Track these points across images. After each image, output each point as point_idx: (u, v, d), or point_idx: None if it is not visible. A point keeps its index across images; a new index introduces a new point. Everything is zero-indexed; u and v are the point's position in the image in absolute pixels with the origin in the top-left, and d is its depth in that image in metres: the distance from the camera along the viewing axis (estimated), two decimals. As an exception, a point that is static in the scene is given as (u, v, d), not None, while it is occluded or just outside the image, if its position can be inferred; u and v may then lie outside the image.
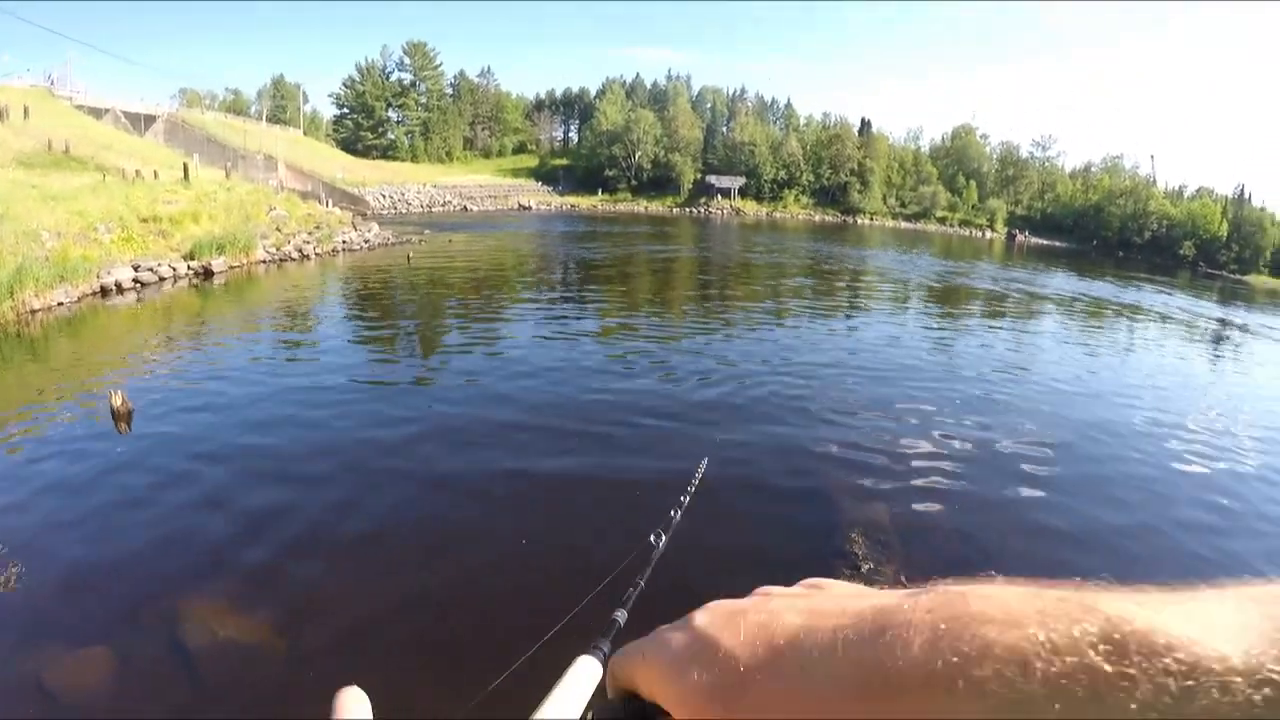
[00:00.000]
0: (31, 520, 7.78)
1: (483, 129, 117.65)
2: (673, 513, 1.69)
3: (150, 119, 63.24)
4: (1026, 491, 9.59)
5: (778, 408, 12.25)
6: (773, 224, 79.28)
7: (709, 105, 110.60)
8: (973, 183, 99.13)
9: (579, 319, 19.10)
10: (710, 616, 0.57)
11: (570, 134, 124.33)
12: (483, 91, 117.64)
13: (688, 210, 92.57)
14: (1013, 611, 0.43)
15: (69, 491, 8.46)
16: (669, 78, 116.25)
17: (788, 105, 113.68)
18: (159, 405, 11.48)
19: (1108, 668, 0.38)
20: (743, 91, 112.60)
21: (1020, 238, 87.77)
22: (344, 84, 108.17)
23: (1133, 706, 0.36)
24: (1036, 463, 10.59)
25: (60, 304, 17.99)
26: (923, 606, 0.47)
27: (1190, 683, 0.35)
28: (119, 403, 10.66)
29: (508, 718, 0.74)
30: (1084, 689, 0.37)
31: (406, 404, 11.85)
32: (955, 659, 0.42)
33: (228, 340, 16.20)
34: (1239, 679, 0.35)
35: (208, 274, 23.93)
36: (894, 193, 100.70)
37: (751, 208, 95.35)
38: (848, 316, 22.24)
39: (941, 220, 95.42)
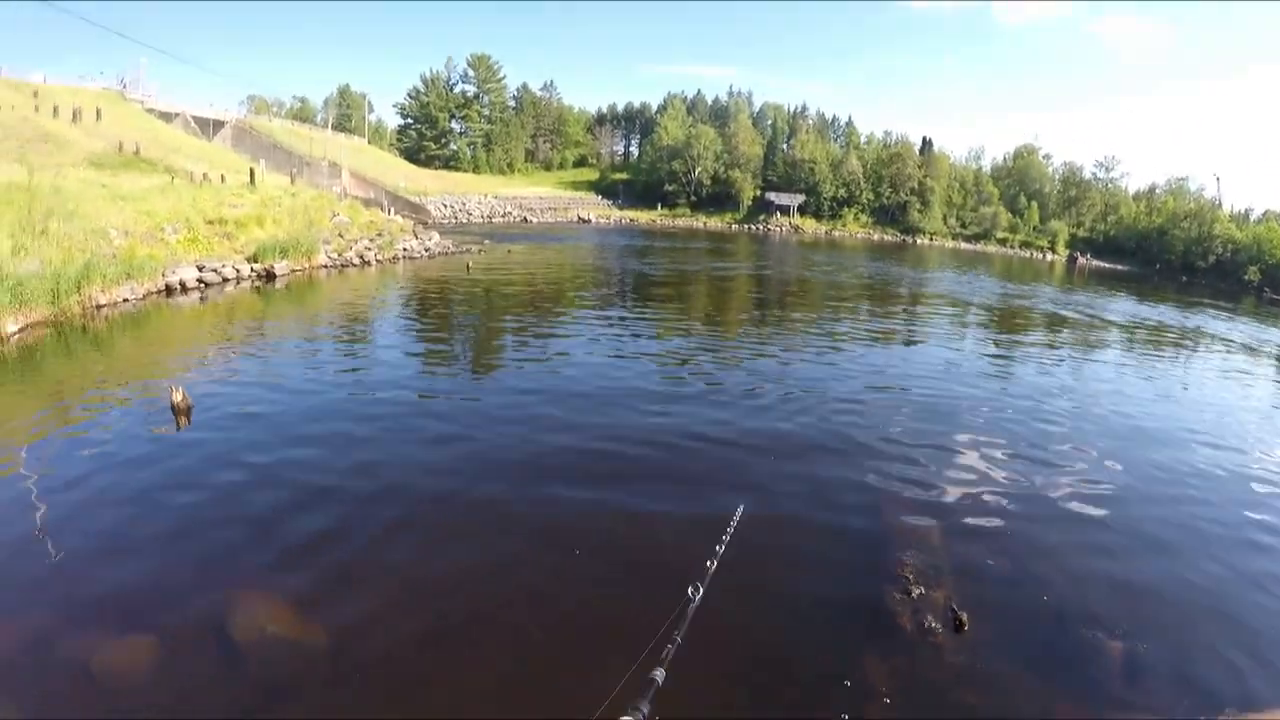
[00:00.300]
0: (90, 507, 7.88)
1: (544, 141, 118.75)
2: (709, 563, 1.60)
3: (219, 124, 64.79)
4: (1081, 533, 9.04)
5: (828, 435, 11.83)
6: (831, 242, 78.51)
7: (770, 122, 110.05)
8: (1034, 203, 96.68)
9: (634, 336, 18.83)
10: None
11: (631, 148, 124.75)
12: (545, 104, 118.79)
13: (746, 227, 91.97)
14: None
15: (127, 481, 8.54)
16: (730, 94, 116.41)
17: (849, 123, 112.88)
18: (218, 402, 11.60)
19: None
20: (804, 108, 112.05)
21: (1081, 260, 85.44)
22: (408, 94, 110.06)
23: None
24: (1093, 503, 9.95)
25: (125, 300, 18.33)
26: None
27: None
28: (179, 398, 10.79)
29: None
30: None
31: (456, 420, 11.67)
32: None
33: (286, 343, 16.39)
34: None
35: (270, 277, 24.26)
36: (954, 213, 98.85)
37: (810, 225, 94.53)
38: (906, 342, 21.54)
39: (1002, 241, 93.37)
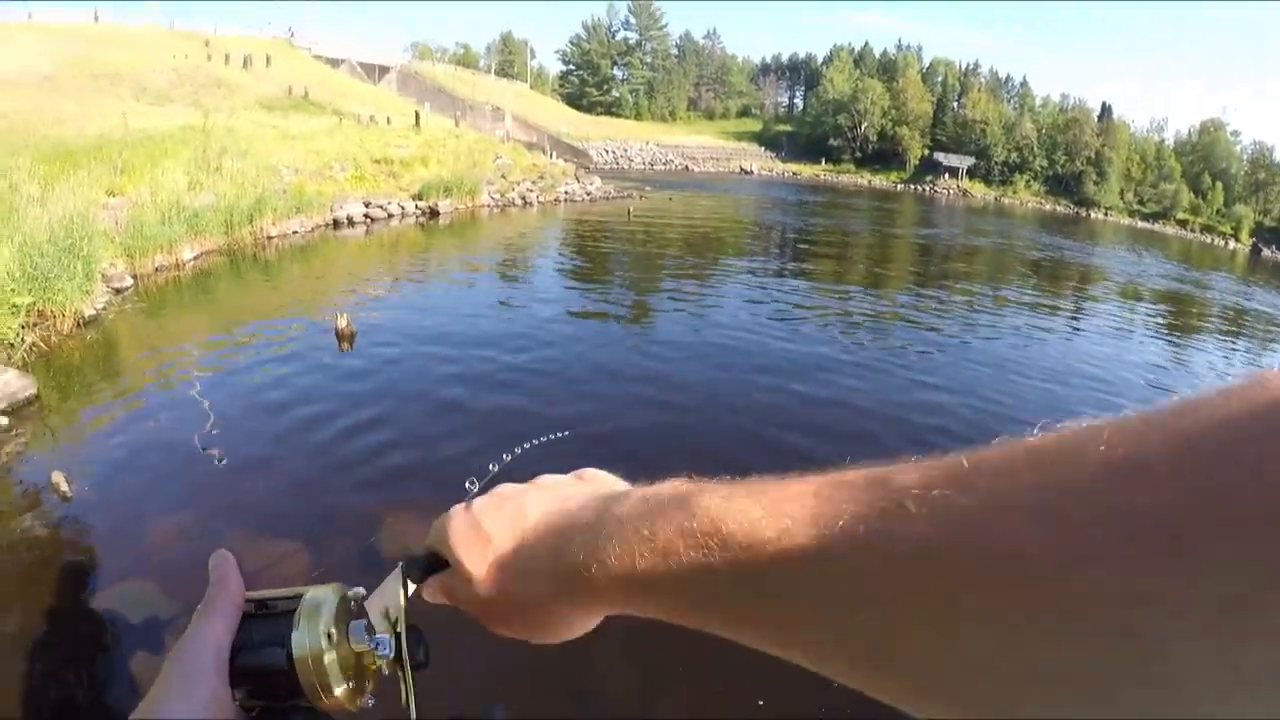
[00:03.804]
0: (254, 422, 8.10)
1: (706, 90, 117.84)
2: None
3: (383, 69, 67.04)
4: None
5: (988, 415, 10.67)
6: (1000, 210, 73.35)
7: (940, 78, 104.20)
8: (1219, 184, 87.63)
9: (788, 295, 17.34)
10: (488, 498, 0.72)
11: (795, 100, 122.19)
12: (708, 53, 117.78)
13: (912, 187, 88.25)
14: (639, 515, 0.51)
15: (291, 400, 8.73)
16: (899, 47, 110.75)
17: (1023, 83, 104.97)
18: (380, 329, 11.81)
19: (694, 555, 0.45)
20: (976, 66, 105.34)
21: (1266, 252, 75.82)
22: (570, 41, 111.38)
23: (723, 589, 0.43)
24: None
25: (295, 232, 19.08)
26: (590, 508, 0.60)
27: (749, 557, 0.41)
28: (344, 324, 10.98)
29: None
30: (691, 576, 0.45)
31: (616, 362, 11.27)
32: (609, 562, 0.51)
33: (448, 275, 16.73)
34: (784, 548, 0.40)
35: (434, 214, 24.87)
36: (1132, 187, 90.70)
37: (979, 190, 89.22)
38: (1072, 324, 19.29)
39: (1182, 223, 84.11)
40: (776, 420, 9.11)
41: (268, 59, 46.31)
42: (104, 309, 11.31)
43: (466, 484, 1.53)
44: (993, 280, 25.07)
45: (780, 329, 13.90)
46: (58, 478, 6.26)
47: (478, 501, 0.71)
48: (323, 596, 0.67)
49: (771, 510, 0.42)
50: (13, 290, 9.54)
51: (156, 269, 13.92)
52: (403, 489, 6.88)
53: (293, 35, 62.58)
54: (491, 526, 0.66)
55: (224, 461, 6.99)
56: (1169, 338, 18.83)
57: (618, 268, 19.81)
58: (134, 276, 13.12)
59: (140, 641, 4.81)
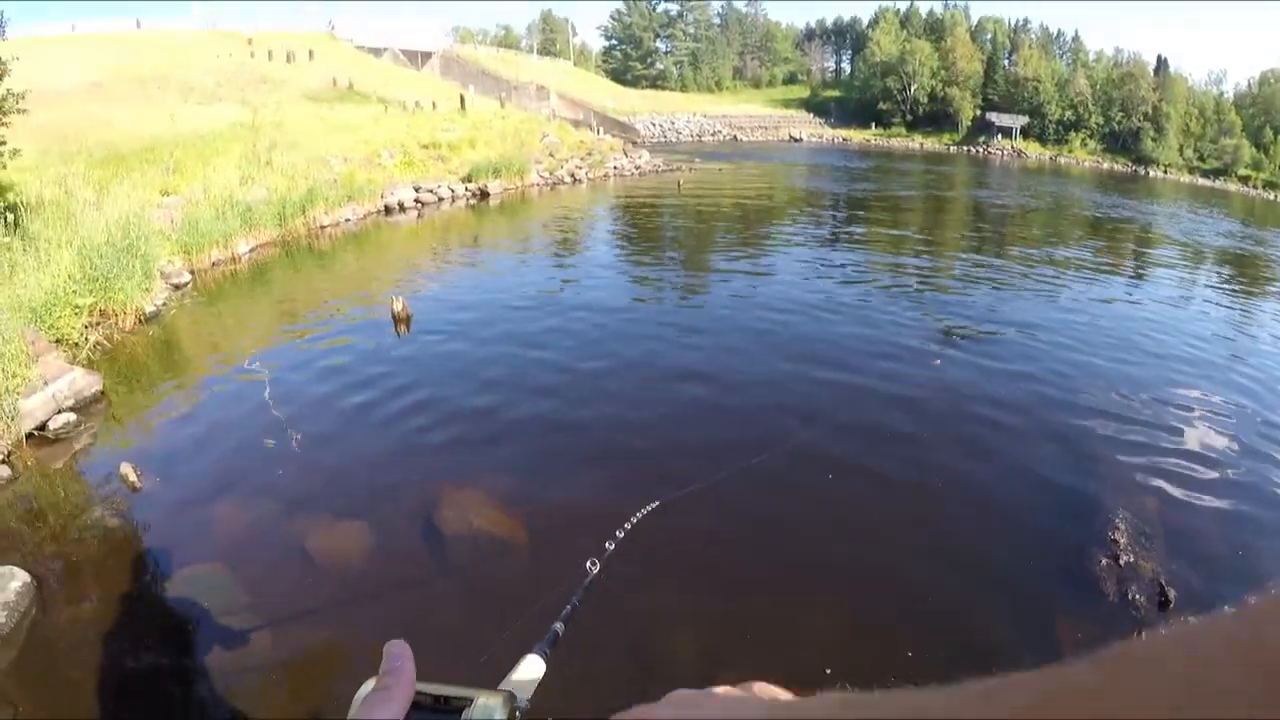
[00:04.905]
0: (314, 406, 8.23)
1: (751, 59, 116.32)
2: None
3: (426, 55, 67.28)
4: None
5: (1049, 375, 10.18)
6: (1056, 169, 70.55)
7: (989, 36, 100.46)
8: None
9: (840, 264, 16.94)
10: (669, 709, 0.71)
11: (842, 64, 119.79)
12: (750, 21, 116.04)
13: (965, 149, 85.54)
14: None
15: (350, 383, 8.87)
16: (946, 5, 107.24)
17: (1075, 38, 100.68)
18: (436, 311, 11.98)
19: None
20: (1025, 22, 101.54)
21: None
22: (611, 16, 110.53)
23: None
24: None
25: (347, 220, 19.30)
26: None
27: None
28: (399, 307, 11.12)
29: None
30: None
31: (674, 336, 11.09)
32: None
33: (501, 255, 16.87)
34: None
35: (484, 195, 25.04)
36: (1191, 143, 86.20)
37: (1034, 150, 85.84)
38: (1131, 287, 17.54)
39: (1244, 179, 79.63)
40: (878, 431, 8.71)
41: (310, 53, 46.80)
42: (164, 305, 11.54)
43: (588, 564, 1.75)
44: (1049, 241, 24.35)
45: (852, 308, 13.36)
46: (126, 469, 6.38)
47: (659, 711, 0.70)
48: (494, 705, 0.73)
49: None
50: (75, 292, 9.77)
51: (213, 264, 14.17)
52: (464, 469, 6.93)
53: (333, 28, 63.14)
54: None
55: (285, 448, 7.10)
56: (1233, 296, 17.90)
57: (669, 244, 19.67)
58: (191, 272, 13.38)
59: (210, 624, 4.88)
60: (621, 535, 1.94)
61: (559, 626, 1.28)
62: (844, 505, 6.57)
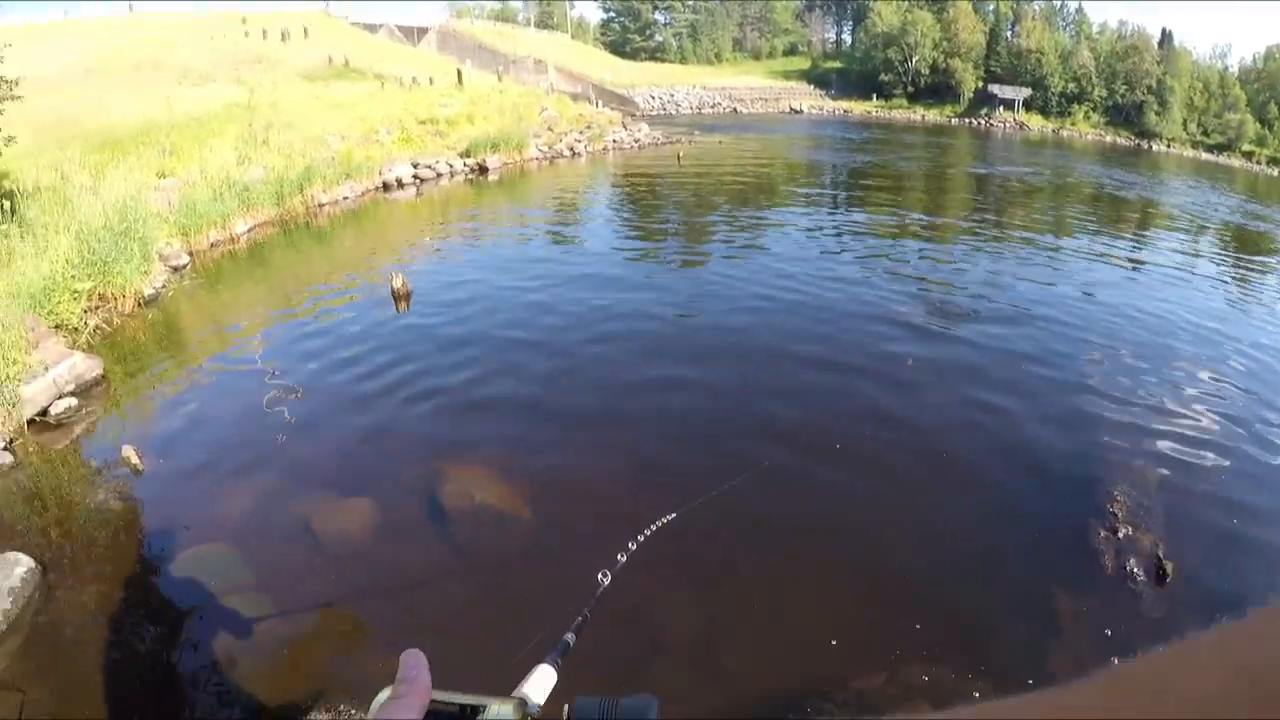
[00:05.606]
0: (315, 384, 8.27)
1: (751, 30, 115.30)
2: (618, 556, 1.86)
3: (422, 31, 66.92)
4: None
5: (1043, 350, 10.13)
6: (1059, 142, 69.76)
7: (991, 7, 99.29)
8: None
9: (839, 234, 17.05)
10: None
11: (843, 35, 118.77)
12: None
13: (967, 121, 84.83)
14: None
15: (351, 361, 8.91)
16: None
17: (1079, 10, 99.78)
18: (435, 287, 12.00)
19: None
20: None
21: None
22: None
23: None
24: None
25: (345, 198, 19.24)
26: None
27: None
28: (399, 284, 11.17)
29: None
30: None
31: (673, 315, 11.03)
32: None
33: (499, 230, 16.88)
34: None
35: (482, 170, 24.95)
36: (1195, 117, 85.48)
37: (1037, 122, 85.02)
38: (1131, 262, 16.96)
39: (1248, 155, 79.04)
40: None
41: (305, 31, 46.53)
42: (163, 287, 11.53)
43: (599, 576, 1.78)
44: (1049, 215, 24.19)
45: (849, 283, 13.20)
46: (128, 452, 6.41)
47: None
48: (506, 714, 0.76)
49: None
50: (73, 277, 9.77)
51: (212, 245, 14.16)
52: (465, 446, 6.95)
53: (328, 5, 62.74)
54: None
55: (288, 427, 7.15)
56: (1235, 272, 17.65)
57: (668, 216, 19.63)
58: (190, 254, 13.36)
59: (216, 605, 4.91)
60: (634, 547, 1.97)
61: (570, 637, 1.32)
62: (851, 500, 6.50)
